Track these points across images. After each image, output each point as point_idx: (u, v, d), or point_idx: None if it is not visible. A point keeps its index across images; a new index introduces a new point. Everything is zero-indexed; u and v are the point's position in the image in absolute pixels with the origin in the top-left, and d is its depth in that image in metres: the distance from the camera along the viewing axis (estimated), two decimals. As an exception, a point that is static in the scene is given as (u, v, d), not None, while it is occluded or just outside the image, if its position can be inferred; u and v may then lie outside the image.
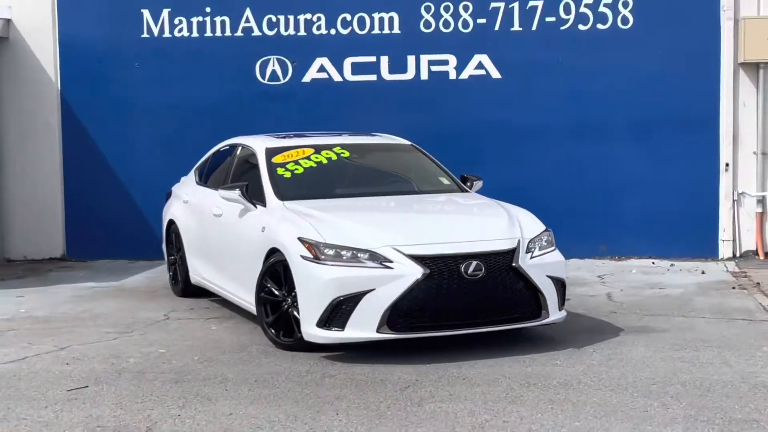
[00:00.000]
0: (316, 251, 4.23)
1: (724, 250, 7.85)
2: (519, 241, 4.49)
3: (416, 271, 4.05)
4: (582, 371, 3.96)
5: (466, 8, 7.66)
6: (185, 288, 6.25)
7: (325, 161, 5.59)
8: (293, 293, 4.43)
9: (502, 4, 7.65)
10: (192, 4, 7.75)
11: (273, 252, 4.66)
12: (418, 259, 4.14)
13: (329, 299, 4.04)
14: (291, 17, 7.74)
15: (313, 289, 4.20)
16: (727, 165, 7.64)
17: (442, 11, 7.70)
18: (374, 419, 3.00)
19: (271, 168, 5.38)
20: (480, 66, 7.79)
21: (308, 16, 7.72)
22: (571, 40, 7.71)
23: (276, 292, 4.62)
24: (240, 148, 6.07)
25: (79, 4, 7.82)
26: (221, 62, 7.88)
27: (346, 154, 5.76)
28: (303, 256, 4.26)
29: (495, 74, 7.78)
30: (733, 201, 7.75)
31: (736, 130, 7.67)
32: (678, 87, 7.68)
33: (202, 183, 6.41)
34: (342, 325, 4.06)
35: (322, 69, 7.82)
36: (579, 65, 7.74)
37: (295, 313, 4.40)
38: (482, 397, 3.40)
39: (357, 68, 7.87)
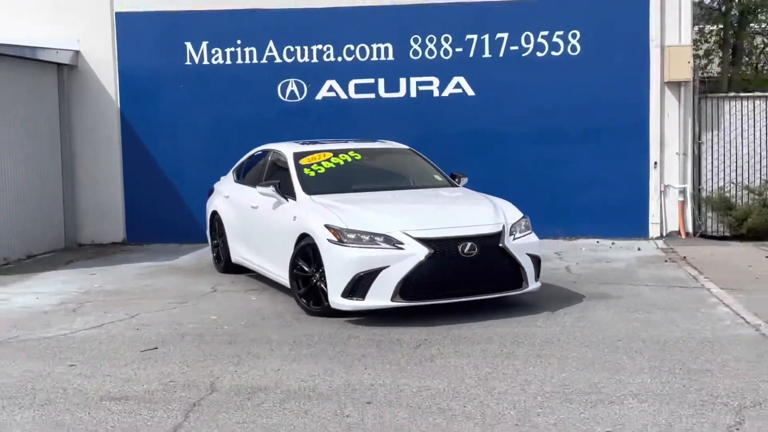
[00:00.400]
0: (340, 235, 4.21)
1: (654, 231, 7.72)
2: (503, 226, 4.47)
3: (422, 251, 4.06)
4: (559, 331, 3.94)
5: (446, 39, 7.44)
6: (227, 266, 6.17)
7: (342, 162, 5.55)
8: (321, 270, 4.41)
9: (475, 36, 7.44)
10: (226, 37, 7.53)
11: (303, 237, 4.64)
12: (424, 241, 4.15)
13: (352, 274, 4.04)
14: (306, 47, 7.55)
15: (339, 266, 4.17)
16: (655, 163, 7.55)
17: (427, 42, 7.48)
18: (396, 372, 3.03)
19: (299, 168, 5.30)
20: (458, 86, 7.61)
21: (320, 46, 7.52)
22: (531, 65, 7.54)
23: (306, 269, 4.59)
24: (271, 152, 5.99)
25: (135, 39, 7.55)
26: (249, 84, 7.69)
27: (358, 156, 5.76)
28: (329, 240, 4.25)
29: (470, 92, 7.58)
30: (660, 192, 7.61)
31: (663, 136, 7.54)
32: (616, 101, 7.50)
33: (239, 181, 6.36)
34: (363, 296, 4.07)
35: (331, 89, 7.60)
36: (537, 84, 7.57)
37: (323, 286, 4.39)
38: (482, 354, 3.42)
39: (359, 88, 7.66)
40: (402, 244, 4.16)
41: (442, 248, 4.19)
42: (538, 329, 4.12)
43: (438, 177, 5.95)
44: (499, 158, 7.44)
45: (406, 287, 4.07)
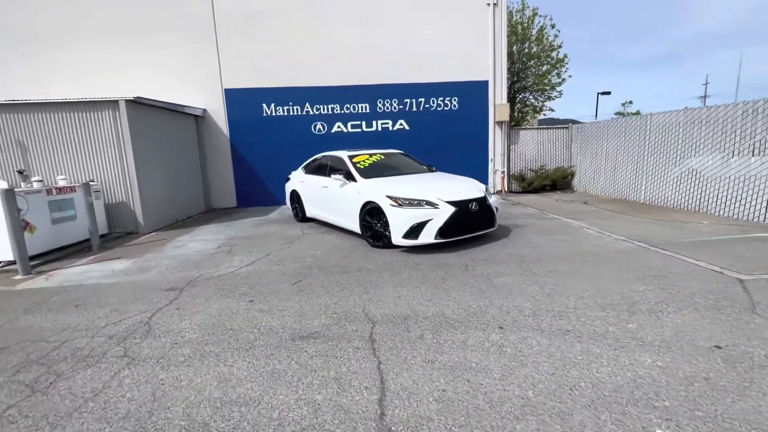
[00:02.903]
0: (398, 201, 4.97)
1: (494, 191, 11.12)
2: (485, 191, 5.57)
3: (450, 209, 4.86)
4: (527, 251, 4.84)
5: (395, 102, 10.77)
6: (303, 218, 7.53)
7: (376, 160, 6.49)
8: (383, 222, 5.24)
9: (409, 100, 10.77)
10: (283, 101, 10.55)
11: (368, 203, 5.45)
12: (450, 203, 4.95)
13: (411, 224, 4.87)
14: (325, 106, 10.67)
15: (400, 220, 4.94)
16: (491, 159, 11.18)
17: (386, 103, 10.74)
18: (469, 285, 3.69)
19: (354, 164, 6.21)
20: (401, 124, 10.86)
21: (332, 105, 10.65)
22: (435, 114, 10.87)
23: (371, 221, 5.41)
24: (330, 156, 6.92)
25: (236, 102, 10.42)
26: (296, 125, 10.58)
27: (382, 156, 6.71)
28: (392, 204, 5.03)
29: (407, 128, 10.88)
30: (494, 172, 11.20)
31: (494, 147, 11.20)
32: (474, 130, 11.04)
33: (308, 173, 7.41)
34: (416, 237, 4.86)
35: (338, 127, 10.70)
36: (438, 123, 10.88)
37: (386, 232, 5.20)
38: (500, 267, 4.21)
39: (353, 126, 10.74)
40: (437, 205, 4.91)
41: (460, 206, 4.97)
42: (516, 249, 5.04)
43: (424, 166, 6.84)
44: (423, 159, 8.19)
45: (442, 230, 4.85)
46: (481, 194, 5.52)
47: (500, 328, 3.04)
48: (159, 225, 8.32)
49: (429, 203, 5.06)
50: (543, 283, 3.98)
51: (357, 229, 5.77)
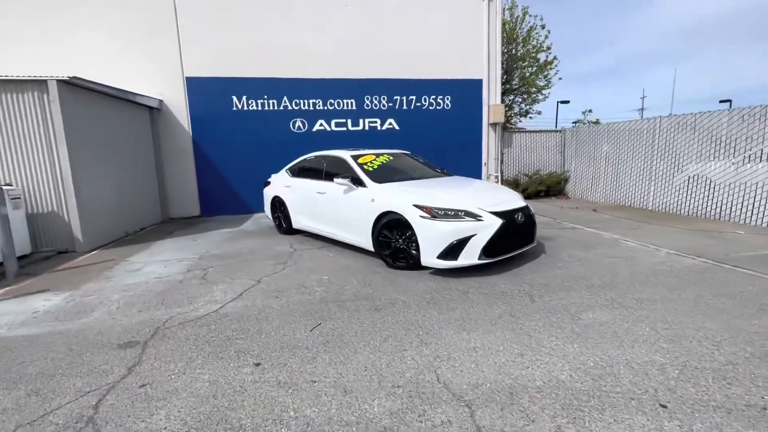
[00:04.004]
0: (431, 212, 4.18)
1: None
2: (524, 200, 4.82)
3: (497, 221, 4.17)
4: (584, 271, 4.31)
5: (384, 99, 9.71)
6: (288, 230, 6.55)
7: (384, 161, 5.65)
8: (405, 237, 4.40)
9: (399, 97, 9.79)
10: (257, 94, 9.12)
11: (385, 214, 4.58)
12: (496, 213, 4.23)
13: (450, 241, 4.06)
14: (306, 100, 9.36)
15: (435, 235, 4.11)
16: (485, 163, 10.43)
17: (374, 99, 9.66)
18: (554, 325, 2.99)
19: (360, 166, 5.32)
20: (390, 124, 9.83)
21: (314, 100, 9.39)
22: (426, 113, 9.97)
23: (389, 236, 4.58)
24: (327, 157, 5.97)
25: (199, 93, 8.88)
26: (272, 122, 9.22)
27: (391, 157, 5.87)
28: (422, 216, 4.19)
29: (397, 127, 9.88)
30: (487, 176, 10.29)
31: (488, 150, 10.43)
32: (469, 132, 10.26)
33: (296, 176, 6.41)
34: (455, 257, 4.07)
35: (321, 125, 9.46)
36: (430, 123, 10.01)
37: (410, 250, 4.38)
38: (573, 296, 3.59)
39: (337, 125, 9.54)
40: (481, 217, 4.14)
41: (506, 218, 4.24)
42: (569, 269, 4.40)
43: (437, 170, 6.05)
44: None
45: (487, 248, 4.09)
46: (523, 203, 4.78)
47: (662, 406, 2.16)
48: (104, 241, 6.74)
49: (470, 214, 4.20)
50: (648, 321, 3.18)
51: (367, 245, 4.87)
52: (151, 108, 8.83)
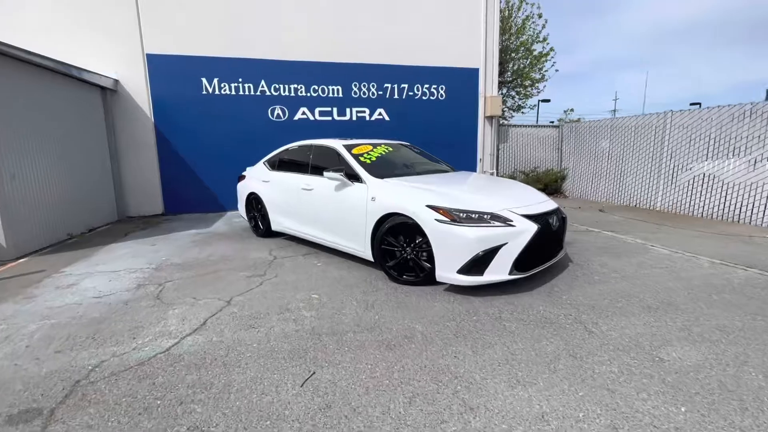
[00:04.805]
0: (450, 215, 3.43)
1: None
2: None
3: (532, 227, 3.48)
4: (628, 287, 3.64)
5: (373, 86, 8.87)
6: (266, 233, 5.81)
7: (383, 153, 4.90)
8: (414, 245, 3.69)
9: (389, 85, 8.95)
10: (231, 76, 8.11)
11: (389, 216, 3.84)
12: (528, 217, 3.56)
13: (474, 252, 3.31)
14: (286, 85, 8.41)
15: (457, 244, 3.36)
16: (480, 159, 9.68)
17: (362, 87, 8.81)
18: (635, 371, 2.29)
19: (356, 157, 4.57)
20: (380, 114, 9.02)
21: (296, 85, 8.45)
22: (419, 103, 9.19)
23: (394, 244, 3.82)
24: (314, 146, 5.21)
25: (162, 73, 7.82)
26: (247, 108, 8.25)
27: (390, 149, 5.12)
28: (438, 220, 3.45)
29: (387, 118, 9.06)
30: (483, 172, 9.55)
31: (484, 145, 9.72)
32: (463, 125, 9.52)
33: (277, 170, 5.63)
34: (481, 271, 3.35)
35: (303, 113, 8.55)
36: (422, 116, 9.22)
37: (420, 261, 3.66)
38: (635, 323, 2.93)
39: (321, 113, 8.66)
40: (511, 221, 3.44)
41: (541, 222, 3.57)
42: (610, 285, 3.70)
43: (443, 164, 5.38)
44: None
45: (519, 260, 3.41)
46: (555, 204, 4.10)
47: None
48: (37, 245, 5.53)
49: (498, 218, 3.45)
50: (753, 365, 2.40)
51: (364, 253, 4.12)
52: (103, 88, 7.63)
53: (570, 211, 8.12)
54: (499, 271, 3.36)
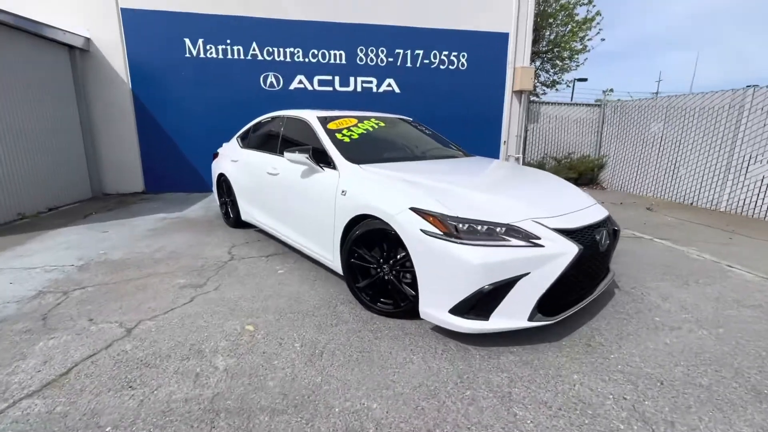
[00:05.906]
0: (444, 226, 2.28)
1: None
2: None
3: (572, 248, 2.30)
4: (714, 346, 2.45)
5: (382, 52, 7.80)
6: (236, 223, 5.01)
7: (371, 129, 3.85)
8: (394, 264, 2.63)
9: (401, 51, 7.84)
10: (218, 37, 7.21)
11: (360, 219, 2.79)
12: (565, 233, 2.37)
13: (477, 286, 2.18)
14: (281, 49, 7.47)
15: (449, 272, 2.23)
16: (504, 141, 8.63)
17: (369, 52, 7.77)
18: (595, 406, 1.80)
19: (330, 134, 3.52)
20: (389, 85, 7.99)
21: (292, 49, 7.50)
22: (436, 73, 8.09)
23: (367, 259, 2.77)
24: (285, 118, 4.23)
25: (140, 31, 6.95)
26: (237, 75, 7.41)
27: (382, 123, 4.03)
28: (425, 231, 2.31)
29: (397, 90, 8.03)
30: (507, 157, 8.73)
31: (510, 125, 8.54)
32: (486, 101, 8.37)
33: (246, 147, 4.77)
34: (486, 315, 2.23)
35: (300, 82, 7.65)
36: (440, 88, 8.14)
37: (402, 286, 2.60)
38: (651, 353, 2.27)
39: (321, 83, 7.73)
40: (538, 238, 2.28)
41: (586, 241, 2.42)
42: (683, 339, 2.52)
43: (452, 147, 4.28)
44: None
45: (545, 298, 2.26)
46: (604, 212, 2.89)
47: None
48: None
49: (517, 232, 2.29)
50: None
51: (332, 262, 3.16)
52: (72, 48, 6.73)
53: (609, 207, 6.75)
54: (514, 314, 2.25)
